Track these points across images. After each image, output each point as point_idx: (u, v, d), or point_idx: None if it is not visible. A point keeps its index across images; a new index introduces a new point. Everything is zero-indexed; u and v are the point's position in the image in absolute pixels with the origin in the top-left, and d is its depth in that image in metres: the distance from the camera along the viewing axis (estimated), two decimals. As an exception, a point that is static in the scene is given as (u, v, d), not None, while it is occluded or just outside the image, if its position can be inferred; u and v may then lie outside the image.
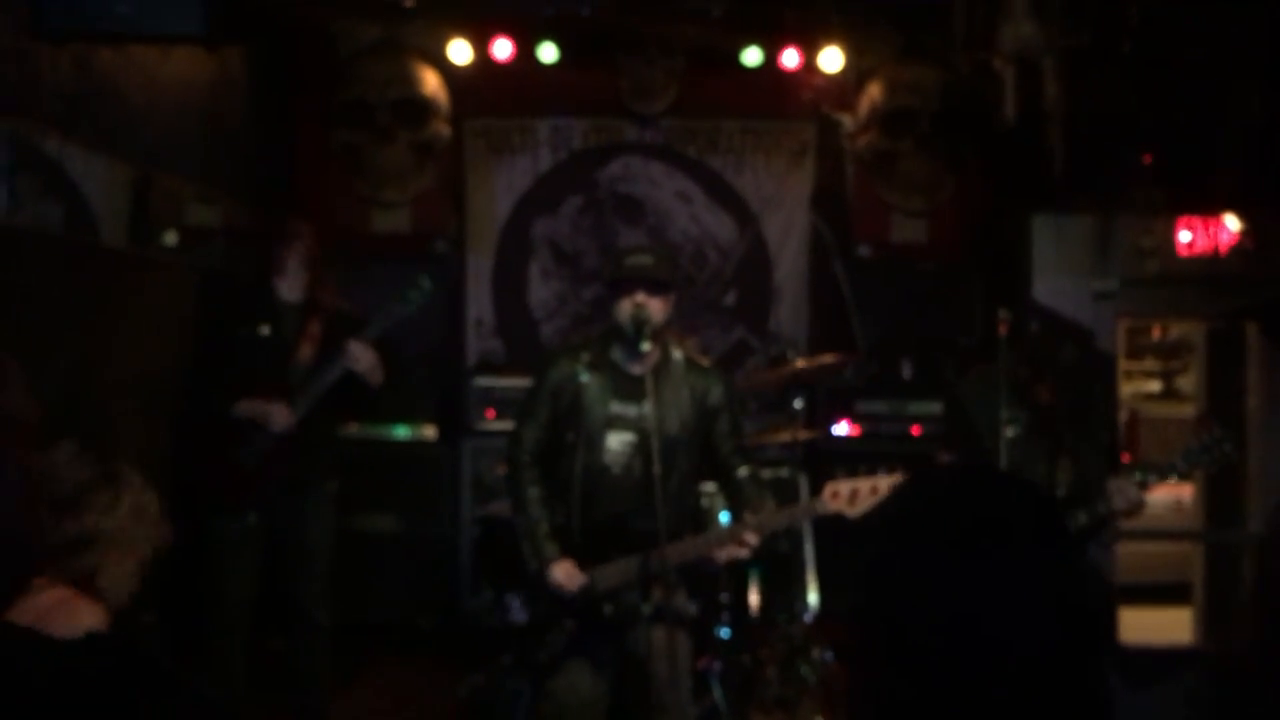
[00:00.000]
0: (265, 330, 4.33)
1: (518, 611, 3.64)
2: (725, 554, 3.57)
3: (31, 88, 3.92)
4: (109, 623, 1.79)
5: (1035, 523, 1.26)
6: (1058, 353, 4.09)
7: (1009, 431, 3.84)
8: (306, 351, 4.35)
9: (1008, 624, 1.19)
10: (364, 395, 4.38)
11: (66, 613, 1.73)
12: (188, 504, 4.47)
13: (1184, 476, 3.86)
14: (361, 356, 4.25)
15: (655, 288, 3.54)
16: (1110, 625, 5.59)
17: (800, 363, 5.05)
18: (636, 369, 3.58)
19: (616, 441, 3.60)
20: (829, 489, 3.44)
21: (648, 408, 3.44)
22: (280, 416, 4.23)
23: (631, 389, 3.56)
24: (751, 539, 3.51)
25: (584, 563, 3.57)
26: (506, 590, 4.64)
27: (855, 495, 3.40)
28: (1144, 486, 3.79)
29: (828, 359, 5.22)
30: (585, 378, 3.62)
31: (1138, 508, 3.84)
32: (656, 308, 3.53)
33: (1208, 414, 6.10)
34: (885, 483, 3.40)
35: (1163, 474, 3.79)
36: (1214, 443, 3.73)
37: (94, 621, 1.75)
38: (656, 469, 3.35)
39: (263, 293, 4.39)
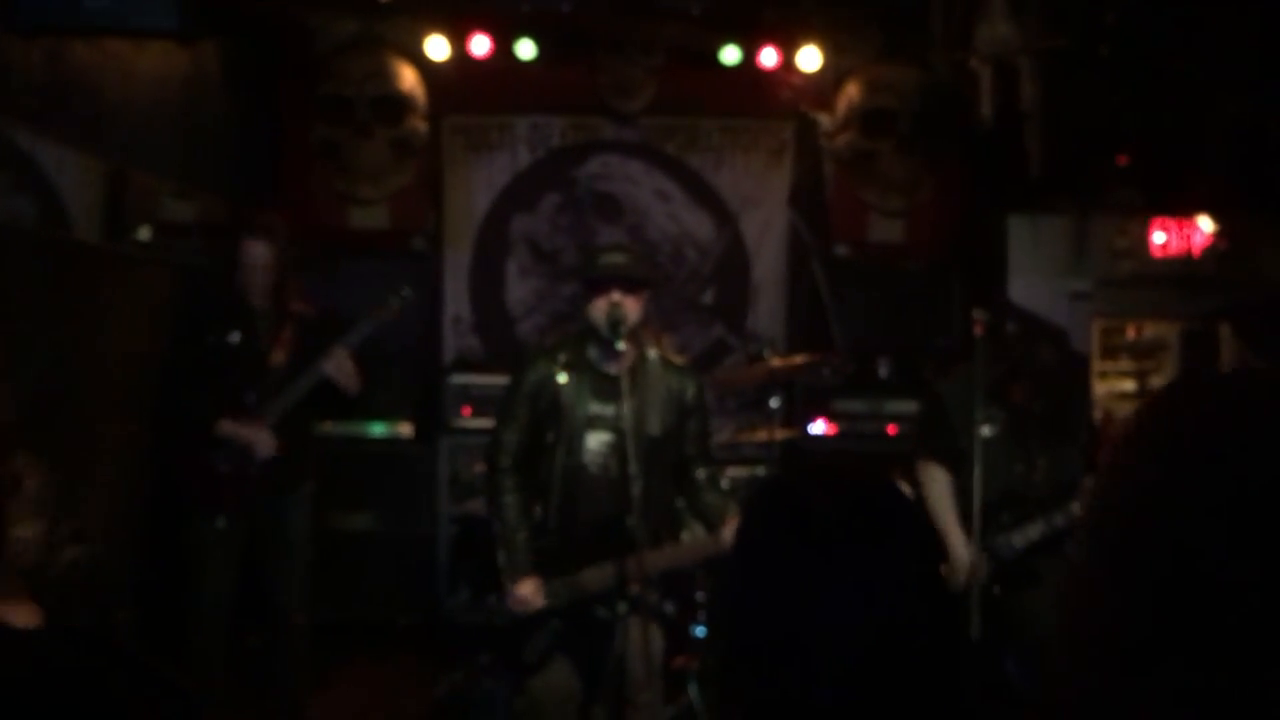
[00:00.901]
0: (236, 336, 4.31)
1: (503, 611, 3.64)
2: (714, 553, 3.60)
3: (3, 81, 3.89)
4: (43, 619, 1.79)
5: (876, 529, 1.26)
6: (1035, 354, 4.10)
7: (985, 431, 3.86)
8: (279, 357, 4.33)
9: (836, 621, 1.20)
10: (341, 400, 4.39)
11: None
12: (167, 504, 4.46)
13: None
14: (343, 366, 4.25)
15: (631, 286, 3.53)
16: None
17: (776, 362, 5.05)
18: (613, 368, 3.57)
19: (595, 441, 3.61)
20: None
21: (625, 407, 3.45)
22: (264, 445, 4.22)
23: (609, 389, 3.56)
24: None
25: (565, 563, 3.58)
26: (484, 588, 4.64)
27: None
28: None
29: (803, 359, 5.22)
30: (563, 378, 3.62)
31: None
32: (632, 306, 3.53)
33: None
34: None
35: None
36: None
37: (29, 619, 1.75)
38: (632, 469, 3.36)
39: (233, 296, 4.36)
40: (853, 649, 1.19)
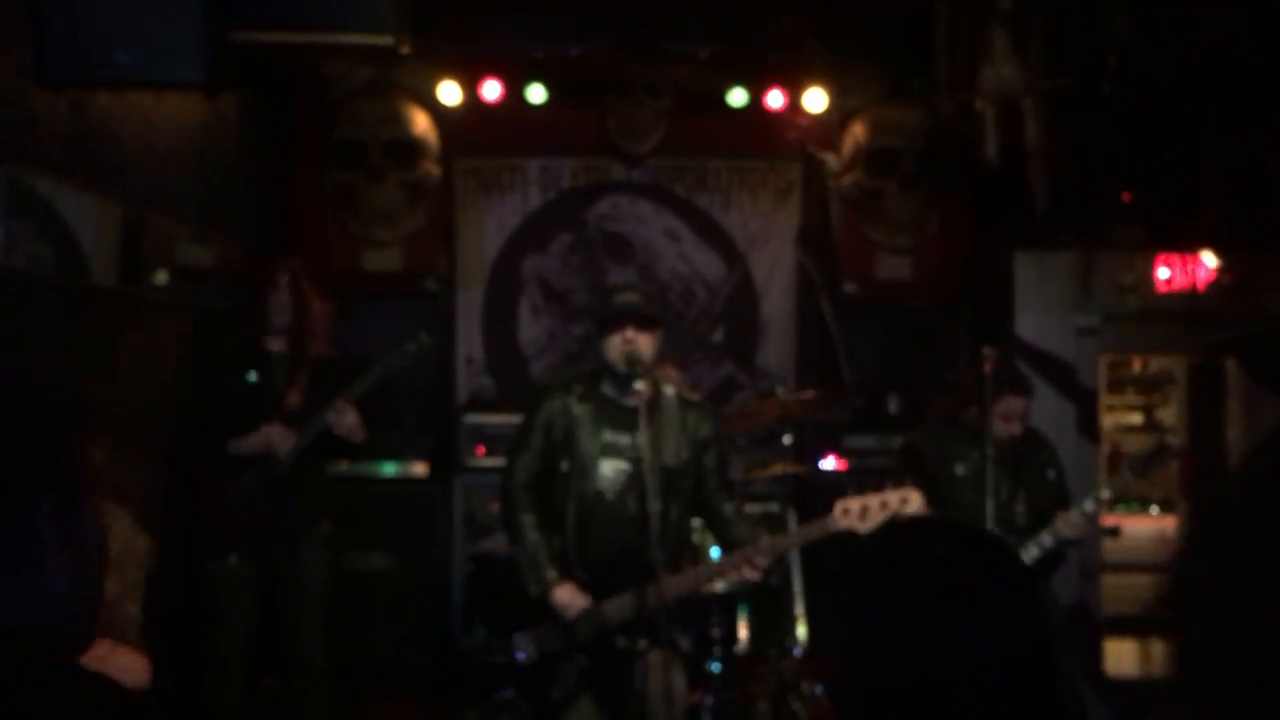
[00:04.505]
0: (253, 376, 4.37)
1: (526, 649, 3.64)
2: (733, 576, 3.63)
3: (29, 131, 3.96)
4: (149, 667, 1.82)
5: (992, 571, 1.37)
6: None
7: (958, 471, 4.15)
8: (294, 399, 4.39)
9: (968, 661, 1.29)
10: (345, 447, 4.44)
11: (118, 664, 1.77)
12: (184, 546, 4.49)
13: (1138, 475, 4.12)
14: (345, 418, 4.29)
15: (644, 323, 3.59)
16: (1095, 656, 5.64)
17: (788, 400, 5.09)
18: (629, 401, 3.62)
19: (610, 469, 3.63)
20: (839, 507, 3.47)
21: (642, 437, 3.49)
22: (280, 438, 4.27)
23: (625, 419, 3.60)
24: (762, 561, 3.57)
25: (586, 595, 3.60)
26: (499, 627, 4.65)
27: (866, 511, 3.43)
28: (1099, 506, 4.07)
29: (814, 397, 5.27)
30: (577, 409, 3.66)
31: (1082, 530, 4.13)
32: (646, 343, 3.58)
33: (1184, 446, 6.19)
34: (895, 497, 3.44)
35: (1115, 489, 4.07)
36: (1158, 448, 4.10)
37: (138, 669, 1.78)
38: (650, 498, 3.38)
39: (251, 339, 4.43)
40: (987, 686, 1.28)
